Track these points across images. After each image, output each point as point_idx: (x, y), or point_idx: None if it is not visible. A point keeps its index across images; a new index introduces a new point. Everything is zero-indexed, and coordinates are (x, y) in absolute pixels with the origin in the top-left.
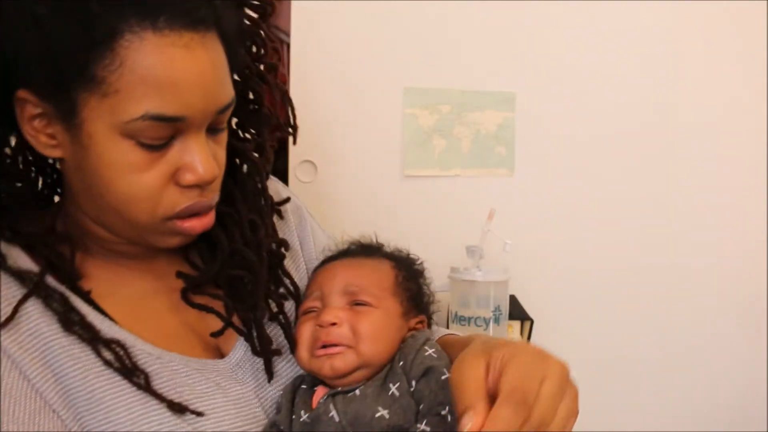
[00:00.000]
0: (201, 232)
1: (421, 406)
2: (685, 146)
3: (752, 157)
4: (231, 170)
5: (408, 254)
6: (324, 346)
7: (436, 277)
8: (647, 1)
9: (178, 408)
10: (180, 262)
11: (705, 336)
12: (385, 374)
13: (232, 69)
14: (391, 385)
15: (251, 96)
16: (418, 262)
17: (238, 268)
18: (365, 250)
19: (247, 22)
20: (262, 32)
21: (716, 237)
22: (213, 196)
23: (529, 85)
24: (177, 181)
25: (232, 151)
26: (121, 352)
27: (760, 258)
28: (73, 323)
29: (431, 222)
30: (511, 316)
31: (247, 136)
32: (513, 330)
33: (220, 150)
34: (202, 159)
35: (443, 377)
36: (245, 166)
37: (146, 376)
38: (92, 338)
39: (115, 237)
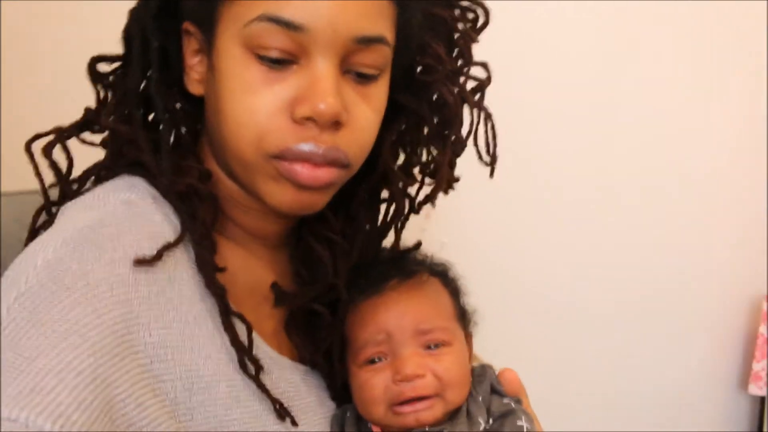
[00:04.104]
0: (310, 184)
1: None
2: (628, 146)
3: (691, 163)
4: (373, 195)
5: (442, 262)
6: (407, 401)
7: None
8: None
9: (282, 412)
10: (290, 265)
11: (649, 338)
12: (466, 408)
13: (402, 31)
14: (480, 419)
15: (435, 98)
16: (450, 267)
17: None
18: (406, 269)
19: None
20: (465, 34)
21: (657, 236)
22: (333, 146)
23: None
24: (292, 113)
25: (384, 175)
26: (246, 335)
27: (704, 258)
28: (213, 288)
29: None
30: None
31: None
32: None
33: (363, 104)
34: (322, 87)
35: (518, 423)
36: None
37: (258, 368)
38: (224, 310)
39: (239, 192)
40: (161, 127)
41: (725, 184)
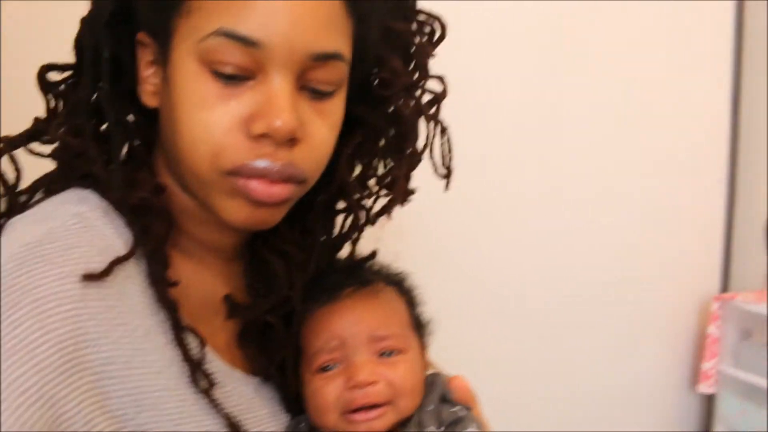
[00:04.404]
0: (266, 201)
1: None
2: (581, 146)
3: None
4: (329, 207)
5: (398, 272)
6: (360, 409)
7: None
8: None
9: (234, 428)
10: (244, 277)
11: (601, 338)
12: (417, 417)
13: (360, 46)
14: (430, 428)
15: (391, 111)
16: (406, 277)
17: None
18: (361, 278)
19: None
20: (421, 48)
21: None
22: (289, 163)
23: None
24: (248, 130)
25: (340, 188)
26: (198, 349)
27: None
28: (164, 302)
29: None
30: None
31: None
32: None
33: (319, 121)
34: (278, 104)
35: (468, 431)
36: (349, 213)
37: (210, 383)
38: (176, 324)
39: (193, 205)
40: (113, 139)
41: (678, 187)
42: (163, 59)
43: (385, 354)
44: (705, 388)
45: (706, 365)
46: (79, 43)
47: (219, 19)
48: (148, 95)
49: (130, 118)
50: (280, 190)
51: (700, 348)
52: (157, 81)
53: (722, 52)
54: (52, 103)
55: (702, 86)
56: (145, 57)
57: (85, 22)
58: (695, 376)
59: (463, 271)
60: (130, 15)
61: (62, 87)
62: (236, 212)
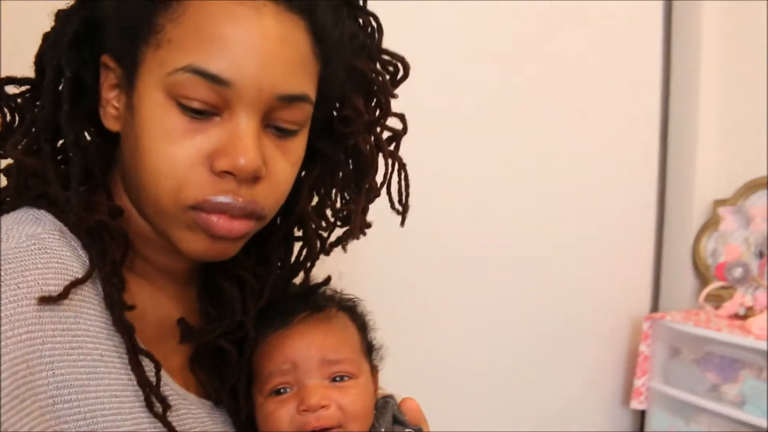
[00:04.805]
0: (225, 236)
1: None
2: (511, 170)
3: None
4: (287, 237)
5: (351, 297)
6: None
7: None
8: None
9: None
10: (199, 302)
11: (537, 357)
12: None
13: (324, 85)
14: None
15: (351, 145)
16: (359, 303)
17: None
18: (315, 303)
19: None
20: (384, 87)
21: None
22: (251, 200)
23: None
24: (212, 165)
25: (298, 218)
26: (153, 372)
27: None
28: (120, 326)
29: None
30: None
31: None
32: None
33: (282, 158)
34: (243, 143)
35: None
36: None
37: (165, 407)
38: (132, 348)
39: (150, 230)
40: (72, 160)
41: (611, 214)
42: (127, 85)
43: (336, 378)
44: (637, 404)
45: (638, 382)
46: (41, 60)
47: (189, 54)
48: (110, 119)
49: (89, 138)
50: (241, 226)
51: (632, 366)
52: (120, 105)
53: (652, 86)
54: (8, 117)
55: (631, 115)
56: (108, 80)
57: (47, 38)
58: (627, 392)
59: (404, 293)
60: (95, 35)
61: (20, 100)
62: (194, 245)
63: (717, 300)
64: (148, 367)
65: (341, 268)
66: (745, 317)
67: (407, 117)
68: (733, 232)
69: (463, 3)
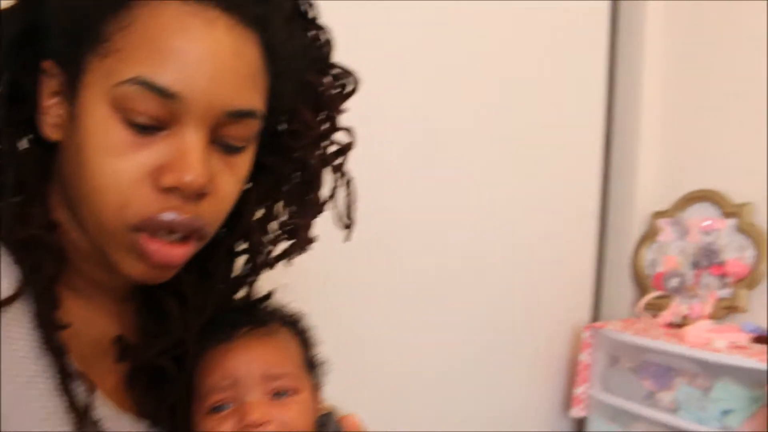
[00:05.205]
0: (165, 264)
1: None
2: (454, 179)
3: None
4: (230, 251)
5: (294, 313)
6: None
7: None
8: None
9: None
10: (137, 318)
11: (479, 365)
12: None
13: (274, 99)
14: None
15: (297, 158)
16: (301, 318)
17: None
18: (257, 318)
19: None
20: (333, 101)
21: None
22: (196, 216)
23: None
24: (157, 181)
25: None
26: (85, 395)
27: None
28: (51, 347)
29: None
30: None
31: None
32: None
33: (228, 175)
34: (190, 159)
35: None
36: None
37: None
38: (62, 370)
39: (87, 244)
40: (5, 170)
41: (553, 225)
42: (70, 93)
43: (277, 394)
44: (577, 411)
45: (578, 390)
46: None
47: (137, 66)
48: (50, 127)
49: (24, 145)
50: (180, 252)
51: (572, 374)
52: (61, 113)
53: (595, 98)
54: None
55: (574, 126)
56: (49, 86)
57: None
58: (568, 400)
59: (347, 304)
60: (37, 39)
61: None
62: (132, 268)
63: (655, 309)
64: (81, 389)
65: (284, 280)
66: (680, 326)
67: (353, 125)
68: (671, 243)
69: (411, 6)
